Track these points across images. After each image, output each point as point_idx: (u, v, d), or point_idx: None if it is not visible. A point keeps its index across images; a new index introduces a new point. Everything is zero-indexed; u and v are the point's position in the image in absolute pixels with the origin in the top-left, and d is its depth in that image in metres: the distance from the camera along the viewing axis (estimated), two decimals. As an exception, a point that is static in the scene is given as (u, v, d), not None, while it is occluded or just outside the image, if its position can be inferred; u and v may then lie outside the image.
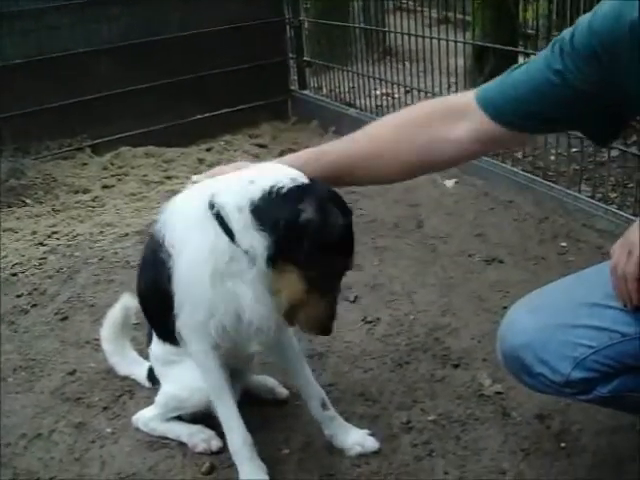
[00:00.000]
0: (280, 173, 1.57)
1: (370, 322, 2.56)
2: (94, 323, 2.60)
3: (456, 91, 4.31)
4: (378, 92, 4.90)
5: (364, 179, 1.74)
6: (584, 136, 1.77)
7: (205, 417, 1.98)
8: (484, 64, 4.89)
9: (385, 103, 4.78)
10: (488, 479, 1.84)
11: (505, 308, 2.20)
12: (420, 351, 2.38)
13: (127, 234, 3.47)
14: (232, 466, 1.88)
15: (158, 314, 1.90)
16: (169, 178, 4.29)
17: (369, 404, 2.15)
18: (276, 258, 1.53)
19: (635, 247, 1.52)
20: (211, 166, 4.35)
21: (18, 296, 2.96)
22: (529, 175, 3.59)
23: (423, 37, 4.30)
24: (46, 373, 2.42)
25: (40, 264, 3.24)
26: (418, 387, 2.21)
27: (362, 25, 5.39)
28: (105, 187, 4.23)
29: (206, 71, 5.01)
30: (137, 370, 2.30)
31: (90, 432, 2.12)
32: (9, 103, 4.32)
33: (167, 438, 2.05)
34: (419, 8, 5.00)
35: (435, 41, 4.16)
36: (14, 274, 3.17)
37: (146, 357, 2.24)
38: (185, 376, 1.94)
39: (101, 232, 3.53)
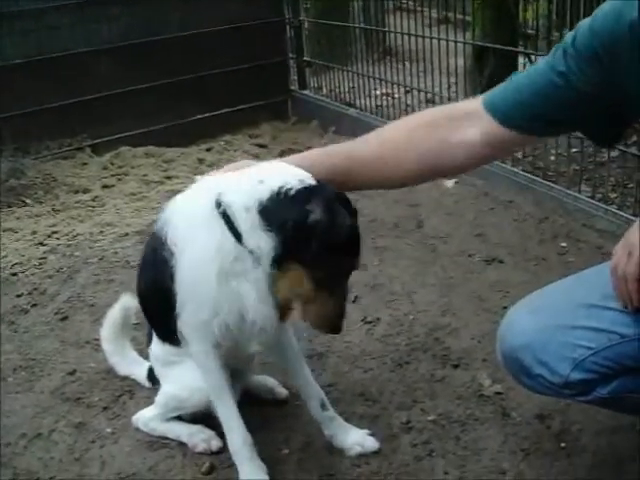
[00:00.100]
0: (288, 174, 1.56)
1: (370, 322, 2.56)
2: (94, 323, 2.60)
3: (456, 91, 4.32)
4: (378, 92, 4.90)
5: (372, 182, 1.72)
6: (586, 137, 1.77)
7: (205, 417, 1.97)
8: (484, 64, 4.89)
9: (385, 103, 4.77)
10: (488, 479, 1.84)
11: (505, 308, 2.21)
12: (420, 351, 2.38)
13: (127, 234, 3.47)
14: (232, 466, 1.88)
15: (158, 314, 1.90)
16: (169, 178, 4.29)
17: (369, 404, 2.15)
18: (282, 258, 1.53)
19: (635, 248, 1.52)
20: (211, 166, 4.36)
21: (18, 296, 2.96)
22: (529, 175, 3.59)
23: (423, 37, 4.30)
24: (46, 373, 2.42)
25: (40, 264, 3.24)
26: (418, 387, 2.21)
27: (362, 25, 5.40)
28: (105, 187, 4.23)
29: (206, 71, 5.01)
30: (137, 370, 2.30)
31: (90, 432, 2.12)
32: (9, 103, 4.32)
33: (167, 438, 2.05)
34: (419, 8, 5.00)
35: (435, 41, 4.17)
36: (14, 274, 3.17)
37: (146, 357, 2.24)
38: (185, 376, 1.94)
39: (101, 232, 3.53)
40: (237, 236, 1.57)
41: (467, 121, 1.58)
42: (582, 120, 1.52)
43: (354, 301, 2.66)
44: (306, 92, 5.51)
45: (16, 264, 3.25)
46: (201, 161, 4.58)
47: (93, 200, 4.03)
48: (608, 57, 1.37)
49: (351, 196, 1.65)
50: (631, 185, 3.33)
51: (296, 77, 5.53)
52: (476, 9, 4.80)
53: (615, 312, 1.56)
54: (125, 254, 3.24)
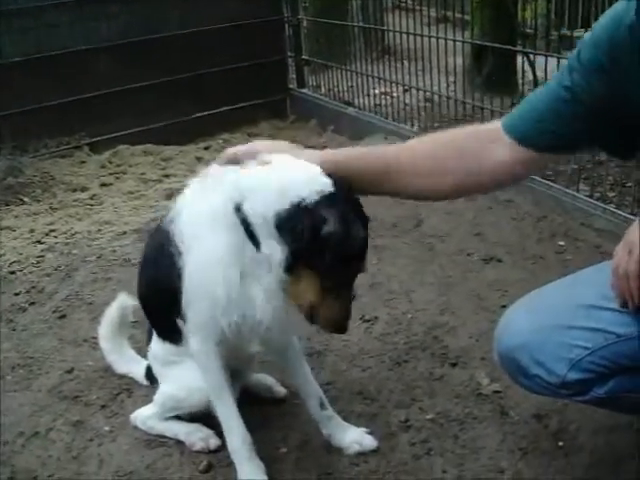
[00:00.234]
0: (310, 182, 1.54)
1: (368, 321, 2.56)
2: (92, 321, 2.60)
3: (455, 90, 4.32)
4: (377, 91, 4.90)
5: (403, 190, 1.67)
6: (604, 152, 1.77)
7: (203, 416, 1.97)
8: (483, 63, 4.91)
9: (384, 102, 4.77)
10: (486, 478, 1.85)
11: (503, 307, 2.21)
12: (418, 350, 2.38)
13: (125, 232, 3.46)
14: (230, 465, 1.88)
15: (160, 311, 1.90)
16: (167, 176, 4.29)
17: (367, 402, 2.15)
18: (295, 266, 1.55)
19: (635, 246, 1.53)
20: (209, 165, 4.35)
21: (16, 294, 2.96)
22: (528, 174, 3.59)
23: (422, 36, 4.30)
24: (44, 371, 2.42)
25: (38, 262, 3.24)
26: (416, 386, 2.21)
27: (361, 24, 5.40)
28: (103, 185, 4.23)
29: (205, 69, 5.02)
30: (135, 368, 2.29)
31: (88, 430, 2.12)
32: (8, 101, 4.32)
33: (165, 436, 2.05)
34: (418, 7, 5.01)
35: (434, 40, 4.16)
36: (12, 272, 3.17)
37: (144, 355, 2.24)
38: (184, 376, 1.94)
39: (99, 230, 3.53)
40: (255, 242, 1.58)
41: (491, 143, 1.58)
42: (594, 134, 1.52)
43: (353, 300, 2.66)
44: (305, 91, 5.51)
45: (14, 262, 3.25)
46: (199, 159, 4.58)
47: (91, 198, 4.03)
48: (611, 65, 1.38)
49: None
50: (629, 184, 3.33)
51: (295, 76, 5.54)
52: (475, 8, 4.81)
53: (612, 312, 1.56)
54: (123, 252, 3.24)
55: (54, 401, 2.26)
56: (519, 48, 4.25)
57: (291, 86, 5.54)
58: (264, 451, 1.90)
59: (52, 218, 3.76)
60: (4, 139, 4.36)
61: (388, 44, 5.48)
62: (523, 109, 1.57)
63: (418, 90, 4.49)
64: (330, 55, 5.25)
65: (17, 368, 2.44)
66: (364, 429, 1.99)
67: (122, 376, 2.32)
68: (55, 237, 3.51)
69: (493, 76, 4.68)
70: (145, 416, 2.08)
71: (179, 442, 2.02)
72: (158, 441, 2.04)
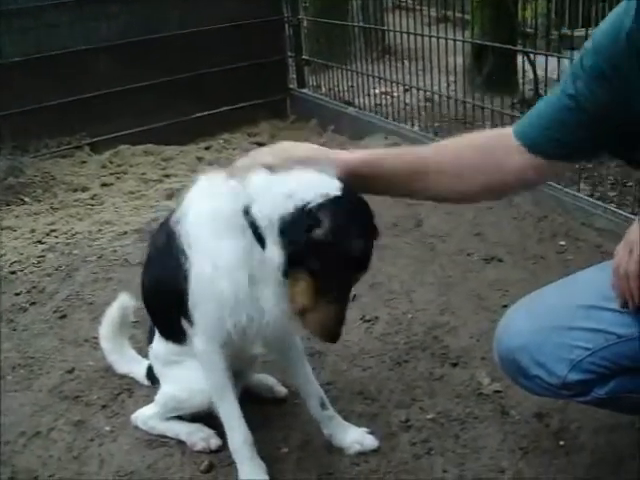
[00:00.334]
0: (318, 186, 1.54)
1: (369, 321, 2.56)
2: (93, 321, 2.60)
3: (455, 90, 4.32)
4: (377, 91, 4.90)
5: (435, 191, 1.64)
6: (618, 160, 1.76)
7: (204, 416, 1.97)
8: (483, 63, 4.91)
9: (384, 102, 4.77)
10: (487, 477, 1.85)
11: (504, 307, 2.21)
12: (419, 350, 2.38)
13: (126, 232, 3.46)
14: (231, 465, 1.88)
15: (164, 311, 1.90)
16: (168, 176, 4.29)
17: (368, 402, 2.15)
18: (292, 269, 1.55)
19: (635, 246, 1.54)
20: (211, 164, 4.36)
21: (17, 294, 2.96)
22: (528, 174, 3.58)
23: (422, 36, 4.30)
24: (45, 371, 2.42)
25: (39, 262, 3.24)
26: (417, 386, 2.21)
27: (361, 24, 5.40)
28: (104, 185, 4.23)
29: (205, 69, 5.02)
30: (136, 368, 2.29)
31: (89, 430, 2.12)
32: (8, 101, 4.32)
33: (166, 436, 2.05)
34: (418, 7, 5.01)
35: (434, 40, 4.16)
36: (13, 272, 3.17)
37: (145, 355, 2.24)
38: (186, 377, 1.94)
39: (100, 230, 3.53)
40: (262, 244, 1.59)
41: (506, 147, 1.57)
42: (599, 142, 1.51)
43: (353, 300, 2.66)
44: (305, 91, 5.51)
45: (15, 262, 3.25)
46: (200, 159, 4.58)
47: (92, 198, 4.03)
48: (611, 71, 1.37)
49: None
50: (630, 184, 3.33)
51: (295, 76, 5.54)
52: (475, 8, 4.81)
53: (612, 312, 1.57)
54: (124, 252, 3.24)
55: (55, 401, 2.26)
56: (519, 48, 4.25)
57: (291, 86, 5.54)
58: (265, 451, 1.90)
59: (53, 218, 3.76)
60: (4, 139, 4.36)
61: (388, 44, 5.48)
62: (532, 115, 1.56)
63: (418, 90, 4.49)
64: (330, 55, 5.25)
65: (18, 368, 2.44)
66: (365, 429, 1.99)
67: (123, 376, 2.32)
68: (56, 237, 3.51)
69: (493, 76, 4.67)
70: (146, 416, 2.08)
71: (180, 442, 2.02)
72: (159, 441, 2.04)
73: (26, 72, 4.41)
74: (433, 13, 4.97)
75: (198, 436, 2.00)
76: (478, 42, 4.55)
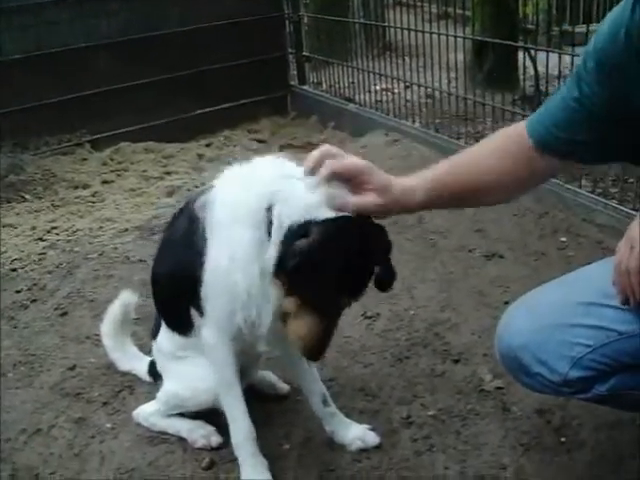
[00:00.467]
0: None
1: (370, 317, 2.55)
2: (94, 318, 2.60)
3: (456, 86, 4.32)
4: (378, 87, 4.90)
5: (488, 204, 1.70)
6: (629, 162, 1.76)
7: (206, 413, 1.97)
8: (484, 59, 4.90)
9: (385, 98, 4.77)
10: (488, 474, 1.85)
11: (506, 303, 2.21)
12: (420, 346, 2.38)
13: (127, 229, 3.46)
14: (232, 462, 1.88)
15: (174, 297, 1.88)
16: (169, 173, 4.29)
17: (369, 399, 2.15)
18: (277, 270, 1.57)
19: (636, 242, 1.53)
20: (211, 162, 4.37)
21: (18, 291, 2.96)
22: (529, 170, 3.58)
23: (423, 32, 4.29)
24: (46, 368, 2.42)
25: (40, 259, 3.24)
26: (418, 382, 2.21)
27: (362, 20, 5.40)
28: (104, 182, 4.23)
29: (205, 66, 5.02)
30: (138, 365, 2.29)
31: (90, 427, 2.12)
32: (8, 98, 4.32)
33: (167, 433, 2.05)
34: (419, 3, 4.99)
35: (435, 36, 4.16)
36: (14, 269, 3.16)
37: (147, 352, 2.24)
38: (189, 375, 1.94)
39: (101, 227, 3.53)
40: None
41: (520, 142, 1.56)
42: (607, 143, 1.50)
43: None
44: (305, 87, 5.51)
45: (16, 260, 3.25)
46: (200, 156, 4.59)
47: (93, 196, 4.03)
48: (612, 70, 1.37)
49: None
50: (631, 180, 3.33)
51: (295, 72, 5.54)
52: (476, 4, 4.80)
53: (613, 309, 1.56)
54: (125, 249, 3.23)
55: (56, 398, 2.26)
56: (520, 44, 4.24)
57: (292, 83, 5.54)
58: (267, 448, 1.90)
59: (54, 215, 3.76)
60: (5, 136, 4.37)
61: (389, 40, 5.47)
62: (541, 113, 1.56)
63: (419, 86, 4.49)
64: (331, 52, 5.25)
65: (19, 365, 2.44)
66: (366, 426, 1.99)
67: (124, 373, 2.32)
68: (57, 234, 3.51)
69: (494, 72, 4.67)
70: (147, 413, 2.08)
71: (181, 439, 2.02)
72: (160, 438, 2.04)
73: (26, 69, 4.41)
74: (434, 9, 4.95)
75: (199, 433, 2.00)
76: (479, 38, 4.54)
